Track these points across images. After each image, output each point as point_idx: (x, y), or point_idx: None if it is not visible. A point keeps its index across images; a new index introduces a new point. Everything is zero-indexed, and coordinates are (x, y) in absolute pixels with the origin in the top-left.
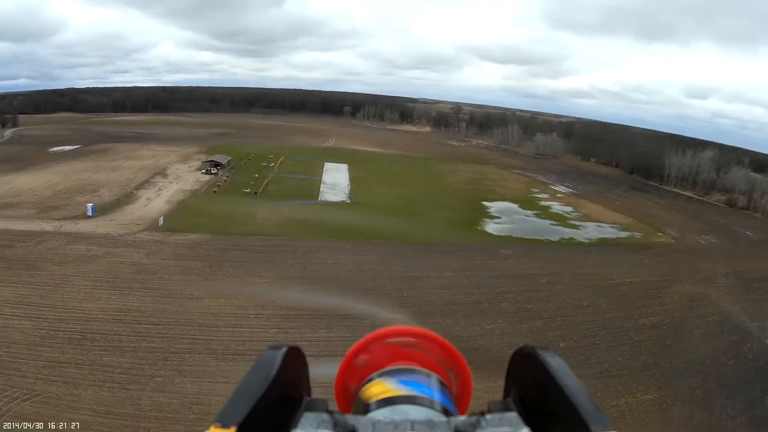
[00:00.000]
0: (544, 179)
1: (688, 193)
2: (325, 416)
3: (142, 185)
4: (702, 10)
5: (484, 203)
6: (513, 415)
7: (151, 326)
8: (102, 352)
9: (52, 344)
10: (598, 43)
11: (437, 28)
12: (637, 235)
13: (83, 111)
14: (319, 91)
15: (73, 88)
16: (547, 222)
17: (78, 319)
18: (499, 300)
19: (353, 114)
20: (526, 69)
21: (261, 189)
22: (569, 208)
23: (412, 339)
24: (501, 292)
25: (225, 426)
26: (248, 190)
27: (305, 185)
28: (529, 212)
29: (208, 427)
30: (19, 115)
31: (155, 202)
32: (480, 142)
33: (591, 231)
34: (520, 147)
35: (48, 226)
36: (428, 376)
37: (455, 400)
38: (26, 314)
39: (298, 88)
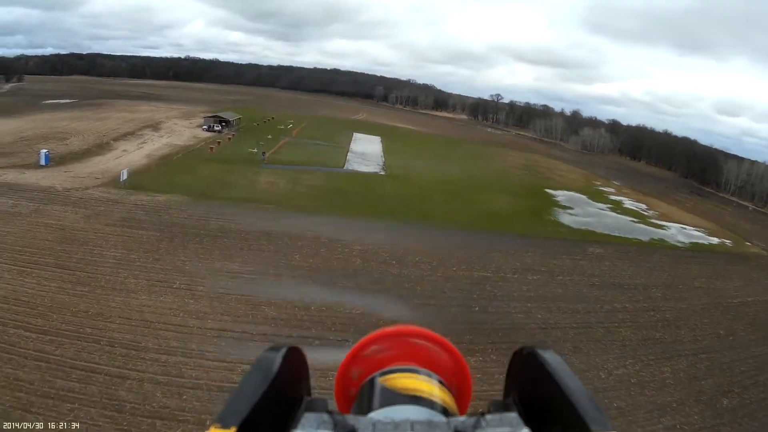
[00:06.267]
0: (600, 174)
1: (746, 203)
2: (325, 416)
3: (123, 136)
4: (742, 25)
5: (548, 191)
6: (513, 416)
7: (36, 336)
8: None
9: None
10: (633, 51)
11: (471, 25)
12: (727, 243)
13: (100, 75)
14: (351, 71)
15: (93, 53)
16: (627, 218)
17: None
18: (616, 323)
19: (385, 97)
20: (558, 72)
21: (272, 151)
22: (643, 206)
23: (412, 339)
24: (614, 311)
25: (225, 426)
26: (255, 150)
27: (329, 152)
28: (602, 205)
29: (208, 428)
30: (32, 75)
31: (132, 155)
32: (519, 132)
33: (678, 234)
34: (564, 140)
35: None
36: (428, 376)
37: (455, 400)
38: None
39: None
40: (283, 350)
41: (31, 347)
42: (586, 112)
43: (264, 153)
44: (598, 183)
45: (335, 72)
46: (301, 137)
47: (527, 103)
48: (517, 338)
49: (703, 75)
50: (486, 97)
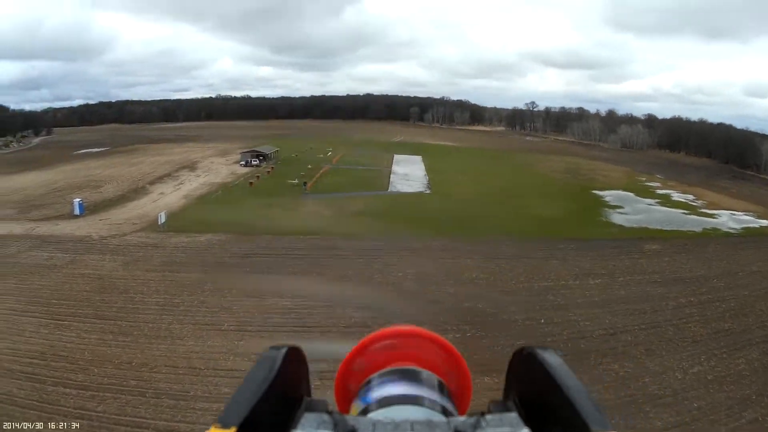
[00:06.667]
0: (642, 169)
1: None
2: (325, 416)
3: (159, 179)
4: (764, 6)
5: (595, 192)
6: (513, 416)
7: (76, 392)
8: None
9: None
10: (659, 45)
11: (497, 36)
12: None
13: (131, 122)
14: (384, 95)
15: (121, 101)
16: (677, 211)
17: None
18: (684, 319)
19: (421, 117)
20: (588, 73)
21: (313, 180)
22: (690, 196)
23: (412, 339)
24: (679, 306)
25: (225, 426)
26: (295, 181)
27: (371, 176)
28: (650, 201)
29: (208, 427)
30: (62, 127)
31: (170, 197)
32: (558, 138)
33: (728, 220)
34: (602, 141)
35: (19, 228)
36: (428, 376)
37: (455, 400)
38: None
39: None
40: (284, 350)
41: (71, 404)
42: (621, 110)
43: (305, 183)
44: (643, 179)
45: (368, 97)
46: (342, 164)
47: (562, 108)
48: (586, 347)
49: (730, 60)
50: (521, 106)
